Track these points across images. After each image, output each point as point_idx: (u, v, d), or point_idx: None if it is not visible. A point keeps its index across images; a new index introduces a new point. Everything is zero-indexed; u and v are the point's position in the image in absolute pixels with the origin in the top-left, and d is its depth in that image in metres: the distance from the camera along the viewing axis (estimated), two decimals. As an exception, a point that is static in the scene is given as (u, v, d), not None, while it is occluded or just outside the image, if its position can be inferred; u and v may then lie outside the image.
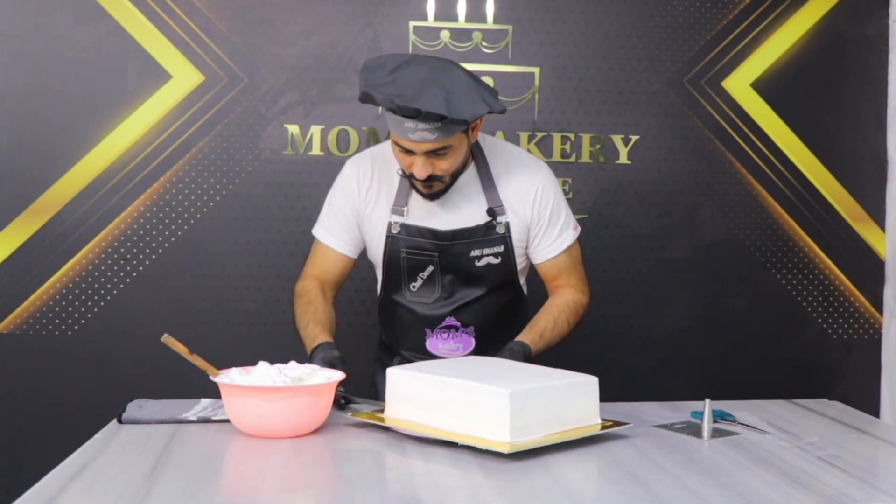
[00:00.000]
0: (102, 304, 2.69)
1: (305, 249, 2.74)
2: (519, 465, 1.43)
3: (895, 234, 2.98)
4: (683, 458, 1.52)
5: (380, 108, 1.87)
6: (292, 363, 1.68)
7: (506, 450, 1.43)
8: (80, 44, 2.66)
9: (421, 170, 1.87)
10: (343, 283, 2.15)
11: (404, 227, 2.00)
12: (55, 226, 2.66)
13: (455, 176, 1.96)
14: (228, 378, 1.63)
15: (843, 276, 3.01)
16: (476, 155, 2.03)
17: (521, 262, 2.07)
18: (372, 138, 2.77)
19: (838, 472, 1.45)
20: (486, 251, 2.01)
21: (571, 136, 2.86)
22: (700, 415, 1.70)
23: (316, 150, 2.76)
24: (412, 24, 2.78)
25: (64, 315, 2.68)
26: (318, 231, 2.11)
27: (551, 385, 1.56)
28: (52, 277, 2.66)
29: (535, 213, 2.03)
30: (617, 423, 1.63)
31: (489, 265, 2.01)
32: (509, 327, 2.08)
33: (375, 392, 2.15)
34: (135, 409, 1.72)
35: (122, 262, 2.70)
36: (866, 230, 3.01)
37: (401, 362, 2.09)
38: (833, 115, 2.98)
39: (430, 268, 2.01)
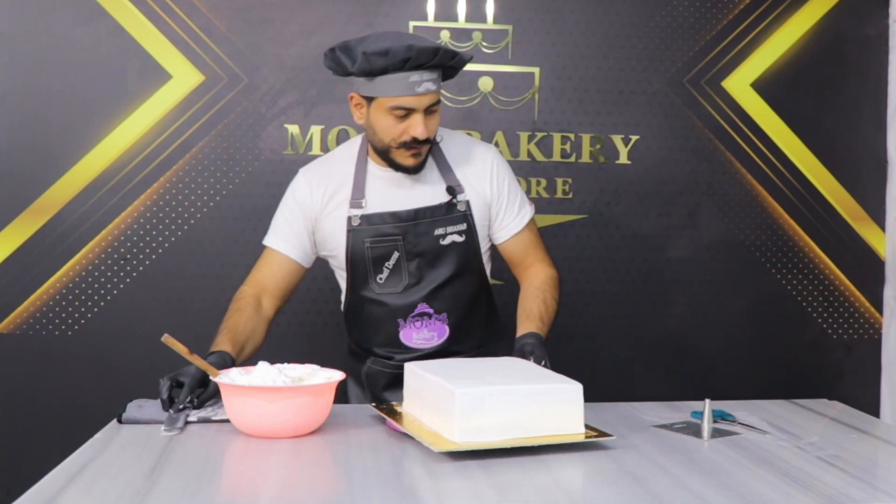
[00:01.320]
0: (102, 304, 2.69)
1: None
2: (519, 464, 1.43)
3: (895, 234, 2.98)
4: (683, 458, 1.52)
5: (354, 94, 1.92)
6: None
7: (442, 448, 1.43)
8: (80, 44, 2.66)
9: (423, 129, 1.89)
10: (288, 297, 2.08)
11: (364, 217, 1.99)
12: (55, 226, 2.66)
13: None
14: (228, 378, 1.63)
15: (843, 276, 3.01)
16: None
17: (484, 244, 2.07)
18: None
19: (838, 472, 1.45)
20: (450, 229, 2.01)
21: (571, 136, 2.86)
22: (700, 415, 1.69)
23: (316, 150, 2.76)
24: (412, 24, 2.78)
25: (64, 315, 2.68)
26: (267, 239, 2.07)
27: (516, 389, 1.51)
28: (52, 277, 2.66)
29: (494, 189, 2.06)
30: (602, 434, 1.55)
31: (454, 244, 2.01)
32: (480, 315, 2.08)
33: (345, 398, 2.14)
34: (135, 409, 1.72)
35: (122, 262, 2.70)
36: (866, 230, 3.02)
37: (374, 363, 2.09)
38: (833, 115, 2.98)
39: (395, 254, 2.00)
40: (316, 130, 2.76)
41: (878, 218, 3.01)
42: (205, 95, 2.72)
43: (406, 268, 2.00)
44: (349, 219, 1.99)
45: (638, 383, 2.90)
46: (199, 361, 1.66)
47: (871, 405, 2.98)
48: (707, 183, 2.94)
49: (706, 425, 1.66)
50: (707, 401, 1.70)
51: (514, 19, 2.82)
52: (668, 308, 2.95)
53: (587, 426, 1.56)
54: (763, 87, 2.95)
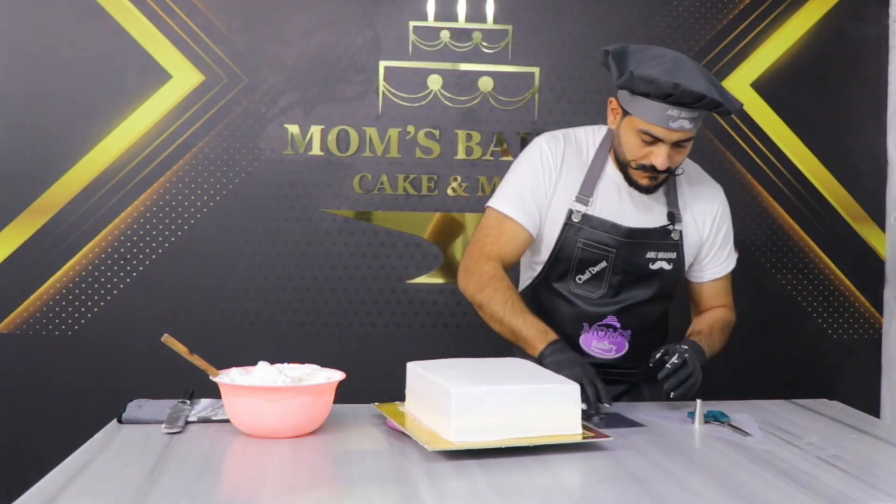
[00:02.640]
0: (102, 304, 2.69)
1: (306, 249, 2.77)
2: (519, 464, 1.43)
3: (895, 234, 2.98)
4: (683, 458, 1.52)
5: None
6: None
7: (436, 447, 1.44)
8: (80, 44, 2.66)
9: (665, 160, 1.86)
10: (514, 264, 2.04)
11: (586, 217, 1.94)
12: (55, 226, 2.66)
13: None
14: (228, 378, 1.63)
15: (843, 276, 3.01)
16: None
17: (683, 276, 2.06)
18: (372, 139, 2.77)
19: (838, 472, 1.45)
20: (661, 255, 1.98)
21: (571, 136, 2.86)
22: (694, 415, 1.71)
23: (316, 150, 2.76)
24: (412, 24, 2.78)
25: (64, 315, 2.68)
26: (504, 206, 1.96)
27: (513, 389, 1.51)
28: (52, 277, 2.66)
29: (713, 231, 2.05)
30: (599, 435, 1.56)
31: (661, 270, 1.99)
32: (657, 339, 2.07)
33: None
34: (135, 409, 1.72)
35: (122, 262, 2.70)
36: (866, 230, 3.01)
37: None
38: (833, 115, 2.98)
39: (603, 264, 1.95)
40: (316, 130, 2.76)
41: (878, 218, 3.01)
42: (205, 95, 2.72)
43: (609, 279, 1.97)
44: (571, 212, 1.95)
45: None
46: (199, 361, 1.66)
47: (871, 405, 2.98)
48: (707, 183, 2.94)
49: (697, 426, 1.68)
50: (698, 401, 1.71)
51: (514, 19, 2.82)
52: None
53: (585, 426, 1.56)
54: (763, 87, 2.95)
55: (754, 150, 2.95)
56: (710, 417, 1.75)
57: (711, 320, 2.06)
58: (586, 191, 1.95)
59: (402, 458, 1.47)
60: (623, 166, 1.93)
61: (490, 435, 1.48)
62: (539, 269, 2.02)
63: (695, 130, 1.86)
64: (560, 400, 1.53)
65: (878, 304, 3.02)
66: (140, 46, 2.68)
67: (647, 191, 1.93)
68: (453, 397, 1.46)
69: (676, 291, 2.06)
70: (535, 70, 2.84)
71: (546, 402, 1.52)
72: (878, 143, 3.00)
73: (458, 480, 1.36)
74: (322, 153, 2.75)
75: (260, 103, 2.74)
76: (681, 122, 1.82)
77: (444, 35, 2.79)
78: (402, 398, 1.74)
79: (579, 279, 1.97)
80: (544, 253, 1.99)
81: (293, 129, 2.75)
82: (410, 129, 2.79)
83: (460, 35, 2.80)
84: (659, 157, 1.85)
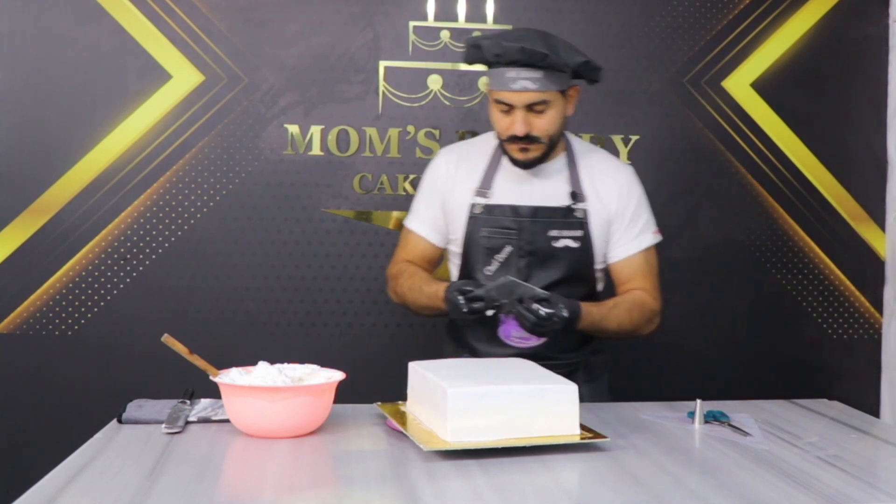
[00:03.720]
0: (102, 304, 2.69)
1: (306, 249, 2.77)
2: (519, 464, 1.43)
3: (895, 234, 2.98)
4: (683, 457, 1.52)
5: (481, 86, 1.91)
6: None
7: (432, 447, 1.44)
8: (80, 44, 2.66)
9: (521, 125, 1.94)
10: (432, 273, 2.18)
11: (486, 207, 2.04)
12: (55, 226, 2.66)
13: (551, 145, 2.01)
14: (228, 378, 1.63)
15: (843, 276, 3.01)
16: (567, 147, 2.11)
17: (598, 256, 2.08)
18: (372, 139, 2.77)
19: (838, 472, 1.45)
20: (565, 233, 2.03)
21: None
22: (694, 415, 1.71)
23: (316, 150, 2.76)
24: (412, 24, 2.78)
25: (64, 315, 2.68)
26: (408, 220, 2.18)
27: (510, 389, 1.51)
28: (52, 277, 2.66)
29: (620, 207, 2.08)
30: (597, 435, 1.55)
31: (567, 248, 2.03)
32: None
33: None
34: (135, 409, 1.72)
35: (122, 262, 2.70)
36: (866, 230, 3.01)
37: (469, 356, 2.08)
38: (833, 115, 2.98)
39: (508, 248, 2.02)
40: (316, 130, 2.76)
41: (878, 218, 3.01)
42: (205, 95, 2.72)
43: (516, 264, 2.02)
44: (472, 206, 2.05)
45: (637, 383, 2.89)
46: (199, 361, 1.66)
47: (871, 405, 2.98)
48: (707, 183, 2.94)
49: (697, 426, 1.68)
50: (698, 401, 1.71)
51: (514, 19, 2.82)
52: (668, 308, 2.93)
53: (583, 427, 1.56)
54: (763, 87, 2.95)
55: (754, 150, 2.95)
56: (710, 417, 1.75)
57: (620, 298, 2.08)
58: (485, 184, 2.06)
59: (402, 458, 1.47)
60: (501, 145, 2.03)
61: (487, 435, 1.48)
62: (456, 270, 2.14)
63: (545, 92, 1.94)
64: (558, 400, 1.53)
65: (878, 303, 3.02)
66: (140, 46, 2.68)
67: (524, 165, 2.01)
68: (450, 397, 1.46)
69: (591, 273, 2.08)
70: (535, 70, 2.83)
71: (543, 403, 1.52)
72: (878, 143, 3.00)
73: (458, 480, 1.36)
74: (322, 153, 2.75)
75: (260, 103, 2.74)
76: (522, 82, 1.91)
77: (444, 35, 2.79)
78: (401, 398, 1.74)
79: (488, 271, 2.04)
80: (457, 250, 2.10)
81: (293, 129, 2.75)
82: (410, 129, 2.79)
83: (460, 35, 2.80)
84: (516, 122, 1.95)
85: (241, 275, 2.76)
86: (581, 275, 2.06)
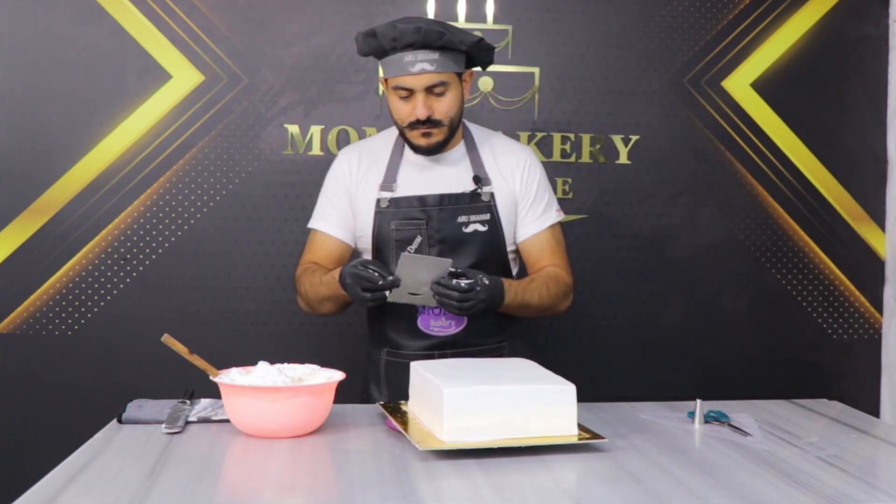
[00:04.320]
0: (102, 304, 2.69)
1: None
2: (519, 464, 1.43)
3: (895, 234, 2.98)
4: (683, 457, 1.52)
5: (379, 90, 1.90)
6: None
7: (427, 447, 1.44)
8: (80, 44, 2.66)
9: (422, 109, 1.95)
10: None
11: (393, 200, 2.04)
12: (55, 226, 2.66)
13: (452, 130, 2.02)
14: (228, 378, 1.63)
15: (843, 276, 3.01)
16: (466, 134, 2.12)
17: (508, 238, 2.09)
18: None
19: (838, 472, 1.45)
20: (473, 217, 2.04)
21: (571, 136, 2.86)
22: (694, 415, 1.71)
23: (316, 150, 2.76)
24: (412, 24, 2.77)
25: (64, 315, 2.68)
26: (313, 222, 2.14)
27: (508, 389, 1.50)
28: (52, 277, 2.66)
29: (523, 187, 2.09)
30: (595, 436, 1.55)
31: (476, 232, 2.04)
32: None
33: (368, 397, 2.13)
34: (135, 409, 1.72)
35: (122, 262, 2.70)
36: (866, 230, 3.02)
37: (389, 354, 2.09)
38: (833, 115, 2.98)
39: (418, 239, 2.02)
40: (316, 130, 2.76)
41: (878, 218, 3.01)
42: (205, 95, 2.72)
43: (427, 253, 2.02)
44: (378, 201, 2.04)
45: (637, 383, 2.89)
46: (199, 361, 1.66)
47: (871, 405, 2.98)
48: (707, 183, 2.94)
49: (697, 426, 1.68)
50: (698, 401, 1.71)
51: (514, 19, 2.82)
52: (668, 308, 2.95)
53: (581, 427, 1.56)
54: (763, 87, 2.95)
55: (754, 150, 2.95)
56: (710, 417, 1.75)
57: (536, 274, 2.08)
58: (389, 178, 2.06)
59: (402, 458, 1.47)
60: (402, 135, 2.04)
61: (484, 435, 1.48)
62: None
63: (443, 74, 1.94)
64: (555, 401, 1.53)
65: (878, 303, 3.02)
66: (140, 46, 2.68)
67: (427, 151, 2.02)
68: (446, 396, 1.46)
69: (504, 255, 2.09)
70: (535, 70, 2.84)
71: (541, 403, 1.52)
72: (878, 143, 3.00)
73: (458, 480, 1.36)
74: (322, 153, 2.75)
75: (260, 103, 2.74)
76: (420, 65, 1.92)
77: (444, 35, 2.79)
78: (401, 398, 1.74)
79: None
80: (367, 247, 2.09)
81: (293, 129, 2.75)
82: (410, 129, 2.79)
83: (460, 35, 2.79)
84: (417, 106, 1.95)
85: (241, 275, 2.76)
86: (494, 258, 2.07)
